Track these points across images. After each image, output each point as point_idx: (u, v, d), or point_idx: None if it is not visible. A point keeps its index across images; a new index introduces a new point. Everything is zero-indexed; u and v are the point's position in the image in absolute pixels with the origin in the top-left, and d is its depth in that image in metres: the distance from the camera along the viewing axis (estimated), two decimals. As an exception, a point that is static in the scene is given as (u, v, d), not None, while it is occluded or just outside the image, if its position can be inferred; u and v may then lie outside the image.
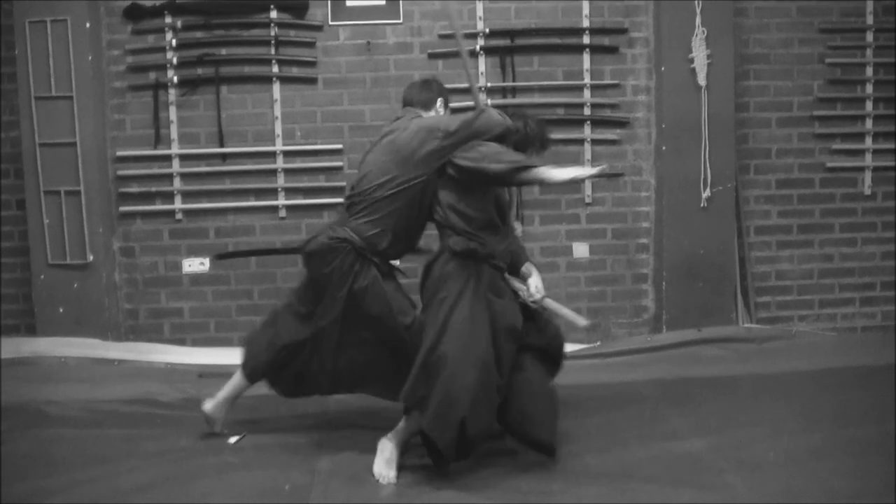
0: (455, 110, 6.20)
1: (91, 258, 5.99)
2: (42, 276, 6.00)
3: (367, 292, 4.11)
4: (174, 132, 6.17)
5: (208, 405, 4.44)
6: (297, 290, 4.46)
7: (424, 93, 4.44)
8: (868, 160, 6.43)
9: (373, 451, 4.09)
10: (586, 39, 6.24)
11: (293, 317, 4.38)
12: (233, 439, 4.44)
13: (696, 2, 5.98)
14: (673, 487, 3.75)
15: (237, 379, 4.45)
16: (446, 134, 4.06)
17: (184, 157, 6.20)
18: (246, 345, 4.53)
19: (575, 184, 4.78)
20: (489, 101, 6.09)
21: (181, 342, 6.19)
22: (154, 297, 6.26)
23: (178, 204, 6.22)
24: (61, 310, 6.00)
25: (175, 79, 6.13)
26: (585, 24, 6.23)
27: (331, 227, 4.28)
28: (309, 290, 4.35)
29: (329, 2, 6.16)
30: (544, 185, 4.87)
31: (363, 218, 4.18)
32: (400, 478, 3.96)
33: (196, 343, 6.22)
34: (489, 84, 6.17)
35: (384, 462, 3.99)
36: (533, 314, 4.24)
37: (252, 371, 4.43)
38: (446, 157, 4.06)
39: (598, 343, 6.19)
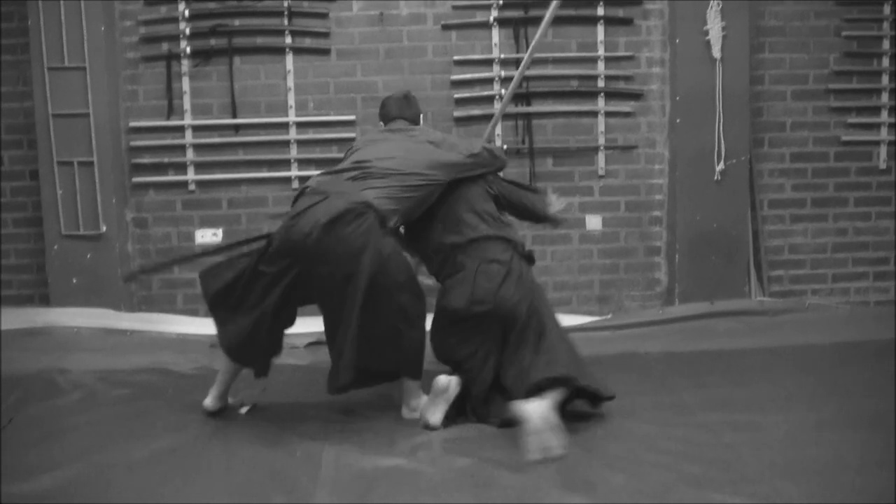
0: (467, 82, 6.21)
1: (104, 229, 6.01)
2: (55, 247, 6.02)
3: (391, 259, 4.04)
4: (187, 103, 6.17)
5: (208, 401, 4.38)
6: (292, 278, 4.14)
7: (412, 108, 4.73)
8: (883, 134, 6.38)
9: (380, 417, 4.25)
10: (600, 11, 6.20)
11: (289, 301, 4.25)
12: (243, 410, 4.45)
13: (712, -27, 5.95)
14: (683, 459, 3.74)
15: (226, 366, 4.38)
16: (469, 153, 4.50)
17: (196, 128, 6.21)
18: (220, 324, 4.41)
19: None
20: (502, 73, 6.12)
21: (194, 313, 6.19)
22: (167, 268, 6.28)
23: (190, 175, 6.22)
24: (75, 280, 6.02)
25: (188, 49, 6.12)
26: (600, -6, 6.21)
27: (337, 194, 4.07)
28: (291, 268, 4.12)
29: (342, -28, 6.14)
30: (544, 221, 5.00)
31: (382, 192, 4.12)
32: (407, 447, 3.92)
33: (208, 314, 6.17)
34: (502, 55, 6.14)
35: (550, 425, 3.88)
36: None
37: (250, 361, 4.37)
38: (463, 174, 4.46)
39: (611, 315, 6.19)
